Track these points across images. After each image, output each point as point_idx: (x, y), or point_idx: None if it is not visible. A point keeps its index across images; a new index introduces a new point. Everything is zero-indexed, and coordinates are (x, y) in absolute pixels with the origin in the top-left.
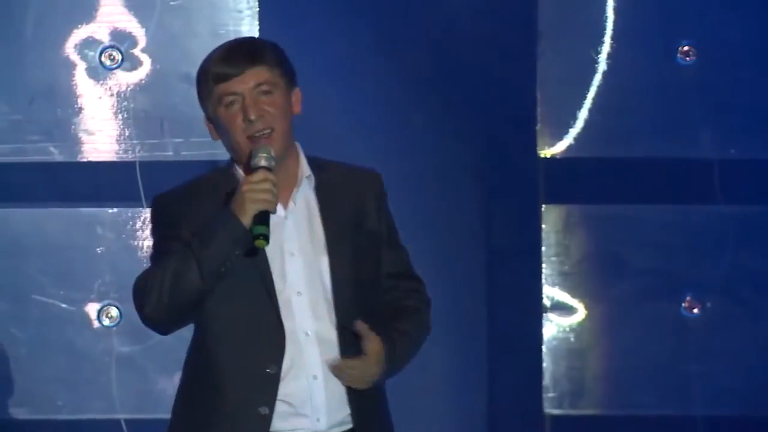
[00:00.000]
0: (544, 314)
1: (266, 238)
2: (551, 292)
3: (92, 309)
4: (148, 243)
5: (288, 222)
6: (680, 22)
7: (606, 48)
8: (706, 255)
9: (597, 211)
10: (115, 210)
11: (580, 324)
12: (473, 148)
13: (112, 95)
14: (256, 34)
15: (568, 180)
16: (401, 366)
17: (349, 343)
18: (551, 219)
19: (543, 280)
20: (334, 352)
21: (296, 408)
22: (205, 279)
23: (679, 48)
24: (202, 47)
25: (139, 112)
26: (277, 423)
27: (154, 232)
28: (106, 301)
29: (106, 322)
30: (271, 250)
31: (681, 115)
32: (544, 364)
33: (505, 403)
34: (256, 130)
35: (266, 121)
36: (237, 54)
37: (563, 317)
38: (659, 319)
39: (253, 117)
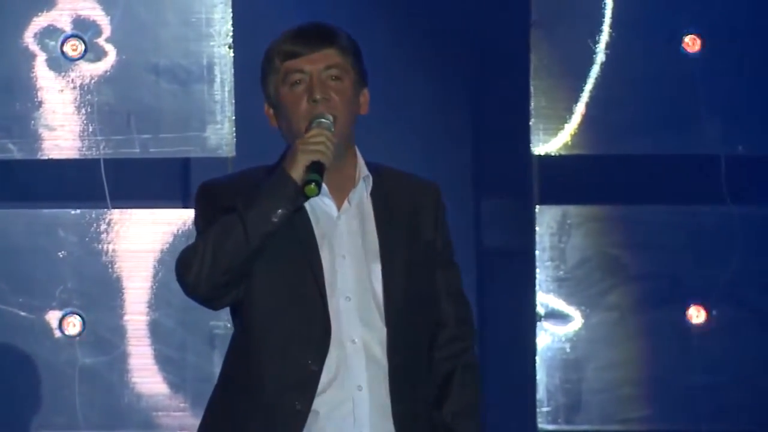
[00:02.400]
0: (538, 323)
1: (318, 185)
2: (546, 299)
3: (54, 317)
4: (113, 246)
5: (341, 223)
6: (684, 9)
7: (604, 37)
8: (712, 259)
9: (595, 212)
10: (79, 211)
11: (577, 333)
12: (462, 145)
13: (74, 88)
14: (230, 22)
15: (564, 179)
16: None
17: (397, 354)
18: (546, 220)
19: (537, 286)
20: (380, 362)
21: (339, 418)
22: (250, 238)
23: (683, 37)
24: (172, 36)
25: (103, 107)
26: (320, 425)
27: (198, 220)
28: (68, 309)
29: (69, 331)
30: (323, 249)
31: (685, 109)
32: (538, 377)
33: (497, 418)
34: (318, 111)
35: (330, 106)
36: (310, 33)
37: (558, 326)
38: (661, 328)
39: (318, 96)
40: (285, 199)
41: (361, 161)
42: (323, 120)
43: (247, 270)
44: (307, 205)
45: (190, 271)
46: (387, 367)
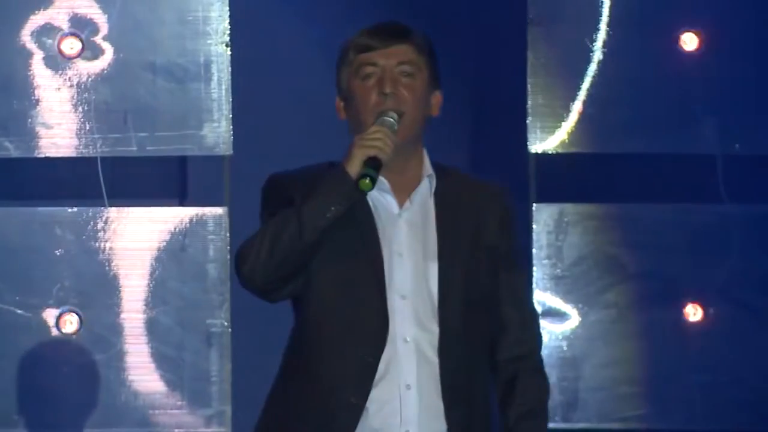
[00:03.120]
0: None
1: (373, 181)
2: (543, 297)
3: (51, 315)
4: (110, 244)
5: (401, 221)
6: (682, 7)
7: (602, 36)
8: (709, 257)
9: (592, 211)
10: (75, 209)
11: (574, 331)
12: (459, 143)
13: (71, 86)
14: (227, 20)
15: (561, 177)
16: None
17: (450, 356)
18: (543, 219)
19: (534, 284)
20: (432, 363)
21: (385, 415)
22: (304, 233)
23: (681, 36)
24: (169, 34)
25: (100, 105)
26: (368, 421)
27: (264, 211)
28: (65, 307)
29: (66, 329)
30: (383, 246)
31: (682, 107)
32: None
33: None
34: (387, 106)
35: (400, 101)
36: (386, 28)
37: (555, 324)
38: (658, 326)
39: (388, 90)
40: (340, 194)
41: (427, 162)
42: (387, 118)
43: (303, 264)
44: (369, 201)
45: (246, 263)
46: (438, 368)
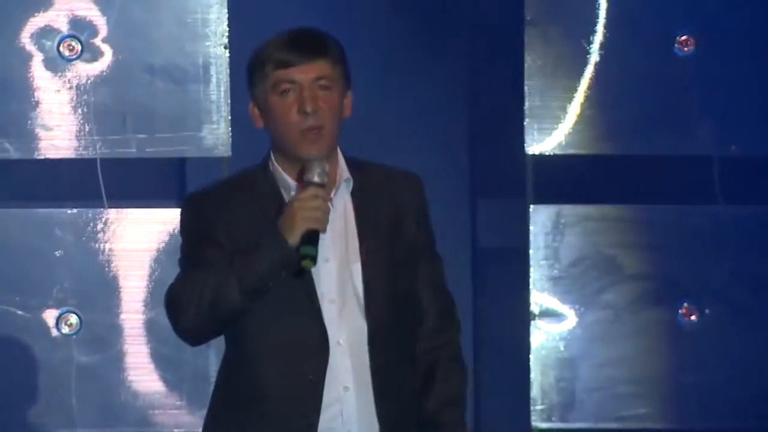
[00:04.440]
0: (532, 321)
1: (314, 259)
2: (540, 298)
3: (50, 316)
4: (110, 245)
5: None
6: (678, 10)
7: (598, 37)
8: (705, 259)
9: (588, 212)
10: (75, 210)
11: (571, 332)
12: (458, 144)
13: (71, 88)
14: (225, 22)
15: (558, 178)
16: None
17: (380, 353)
18: (540, 220)
19: (531, 285)
20: (365, 362)
21: (327, 419)
22: (246, 298)
23: (677, 38)
24: (167, 36)
25: (100, 106)
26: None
27: (185, 235)
28: (64, 308)
29: (65, 330)
30: None
31: (678, 109)
32: (532, 375)
33: (491, 416)
34: (308, 125)
35: (320, 117)
36: (303, 43)
37: (552, 325)
38: (655, 327)
39: (309, 109)
40: (282, 266)
41: (342, 163)
42: (317, 170)
43: (239, 318)
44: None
45: (184, 318)
46: (369, 365)
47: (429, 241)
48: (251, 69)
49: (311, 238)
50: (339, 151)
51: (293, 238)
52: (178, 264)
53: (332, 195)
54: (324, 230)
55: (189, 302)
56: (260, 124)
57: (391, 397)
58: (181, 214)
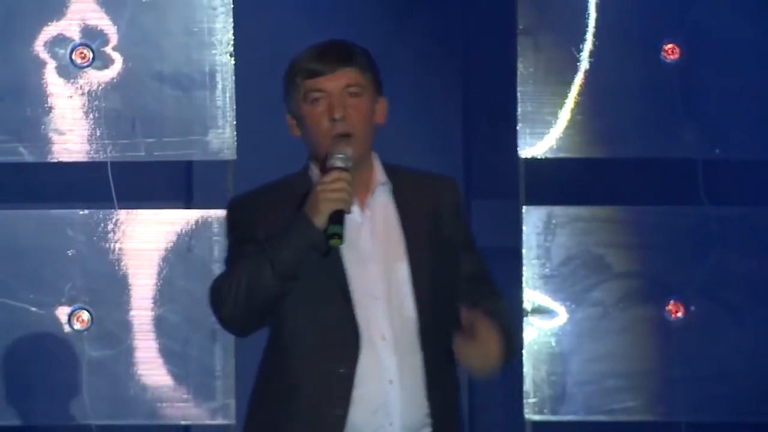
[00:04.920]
0: (525, 318)
1: (340, 237)
2: (532, 296)
3: (63, 313)
4: (120, 245)
5: (364, 228)
6: (664, 19)
7: (588, 46)
8: (690, 258)
9: (578, 213)
10: (87, 211)
11: (562, 328)
12: (453, 148)
13: (82, 94)
14: (231, 31)
15: (549, 181)
16: (517, 339)
17: (429, 346)
18: (532, 220)
19: (524, 283)
20: (411, 356)
21: (370, 412)
22: (280, 282)
23: (663, 46)
24: (175, 45)
25: (110, 112)
26: (352, 425)
27: (229, 236)
28: (77, 305)
29: (77, 326)
30: (347, 255)
31: (665, 114)
32: (525, 369)
33: (485, 409)
34: (338, 130)
35: (349, 122)
36: (330, 53)
37: (544, 321)
38: (642, 323)
39: (338, 115)
40: (311, 247)
41: (378, 167)
42: (340, 155)
43: (277, 305)
44: None
45: (224, 309)
46: (421, 360)
47: (468, 238)
48: (285, 81)
49: (337, 218)
50: (375, 156)
51: (319, 220)
52: (224, 263)
53: (369, 198)
54: (349, 210)
55: (228, 292)
56: (296, 132)
57: (441, 390)
58: (226, 217)
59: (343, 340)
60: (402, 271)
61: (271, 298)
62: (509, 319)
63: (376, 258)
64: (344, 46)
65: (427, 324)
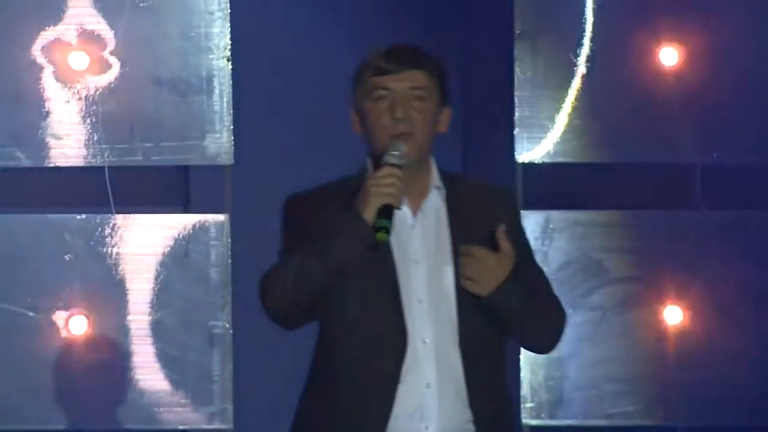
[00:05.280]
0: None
1: (387, 231)
2: None
3: (60, 318)
4: (117, 250)
5: (415, 230)
6: (662, 23)
7: (585, 50)
8: (688, 262)
9: (576, 218)
10: (84, 216)
11: None
12: (450, 153)
13: (80, 99)
14: (228, 36)
15: (547, 185)
16: (522, 307)
17: (470, 352)
18: (530, 225)
19: None
20: (451, 361)
21: (406, 415)
22: (327, 275)
23: (660, 50)
24: (173, 49)
25: (108, 116)
26: (392, 426)
27: (283, 231)
28: (74, 310)
29: (75, 331)
30: (396, 257)
31: (662, 118)
32: (522, 374)
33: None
34: (398, 130)
35: (410, 124)
36: (400, 53)
37: None
38: (640, 328)
39: (399, 114)
40: (359, 241)
41: (435, 172)
42: (394, 152)
43: (325, 300)
44: None
45: (271, 300)
46: (461, 365)
47: (524, 251)
48: (355, 77)
49: (386, 212)
50: (433, 161)
51: (368, 214)
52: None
53: (423, 201)
54: (398, 206)
55: (275, 283)
56: (358, 129)
57: (485, 398)
58: (282, 213)
59: (391, 341)
60: (447, 275)
61: (318, 291)
62: (541, 297)
63: (424, 261)
64: (416, 49)
65: (470, 330)
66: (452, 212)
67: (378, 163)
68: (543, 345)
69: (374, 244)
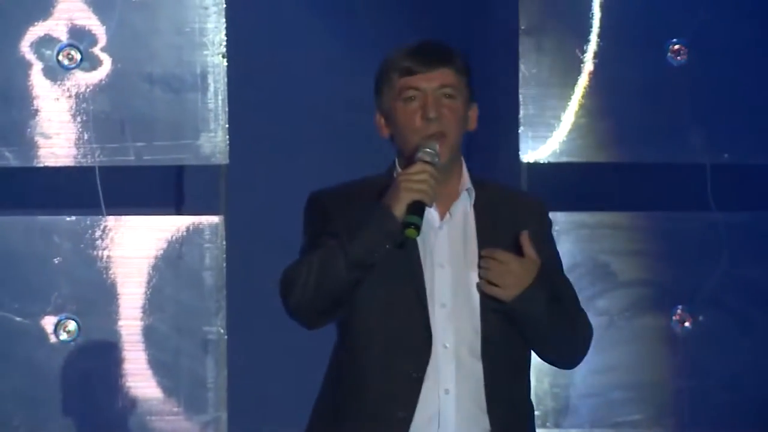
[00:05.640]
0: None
1: (417, 229)
2: None
3: (49, 322)
4: (108, 252)
5: (442, 233)
6: (670, 19)
7: (592, 47)
8: (698, 265)
9: (583, 219)
10: (74, 218)
11: None
12: None
13: (70, 96)
14: (223, 31)
15: (552, 186)
16: (546, 315)
17: (493, 360)
18: None
19: None
20: (472, 367)
21: (424, 420)
22: (351, 270)
23: (670, 47)
24: (166, 45)
25: (99, 115)
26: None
27: (305, 229)
28: (63, 315)
29: (64, 336)
30: (422, 260)
31: (671, 117)
32: None
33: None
34: (431, 130)
35: (442, 123)
36: (428, 51)
37: None
38: (649, 333)
39: (432, 115)
40: (386, 236)
41: (465, 174)
42: (428, 150)
43: (349, 297)
44: None
45: (292, 296)
46: (482, 372)
47: (553, 262)
48: (377, 78)
49: (416, 209)
50: (463, 164)
51: (398, 209)
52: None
53: (453, 204)
54: (430, 204)
55: (298, 278)
56: (385, 133)
57: (504, 403)
58: (305, 210)
59: (415, 344)
60: (473, 281)
61: (342, 289)
62: (567, 308)
63: (448, 264)
64: (443, 46)
65: (492, 337)
66: (480, 217)
67: (410, 164)
68: (566, 358)
69: (402, 240)
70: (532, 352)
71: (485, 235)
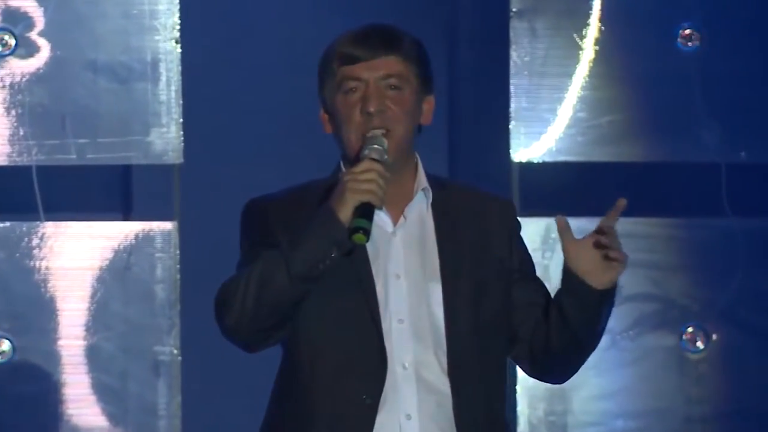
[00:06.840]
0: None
1: (366, 233)
2: None
3: None
4: (46, 263)
5: (396, 239)
6: (681, 0)
7: (592, 31)
8: (712, 277)
9: (582, 226)
10: (8, 224)
11: None
12: (437, 150)
13: (3, 87)
14: (176, 13)
15: (548, 188)
16: (608, 316)
17: (461, 380)
18: (528, 234)
19: None
20: (435, 389)
21: None
22: (295, 283)
23: (680, 31)
24: (111, 30)
25: (36, 108)
26: None
27: (244, 240)
28: None
29: None
30: (374, 269)
31: (682, 111)
32: (519, 408)
33: None
34: (372, 126)
35: (385, 118)
36: (371, 37)
37: None
38: (656, 355)
39: (372, 109)
40: (332, 243)
41: (421, 173)
42: (376, 146)
43: (292, 314)
44: None
45: (230, 314)
46: (449, 393)
47: (526, 266)
48: (319, 68)
49: (364, 211)
50: (419, 163)
51: (344, 213)
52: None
53: (407, 206)
54: (380, 205)
55: (235, 295)
56: (329, 129)
57: (476, 430)
58: (241, 219)
59: (369, 366)
60: (434, 293)
61: (284, 303)
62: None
63: (405, 275)
64: (389, 31)
65: (460, 356)
66: (439, 220)
67: (355, 163)
68: (569, 372)
69: (350, 247)
70: (518, 368)
71: (446, 241)
